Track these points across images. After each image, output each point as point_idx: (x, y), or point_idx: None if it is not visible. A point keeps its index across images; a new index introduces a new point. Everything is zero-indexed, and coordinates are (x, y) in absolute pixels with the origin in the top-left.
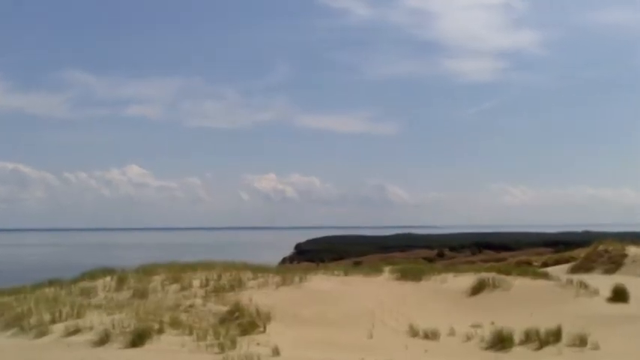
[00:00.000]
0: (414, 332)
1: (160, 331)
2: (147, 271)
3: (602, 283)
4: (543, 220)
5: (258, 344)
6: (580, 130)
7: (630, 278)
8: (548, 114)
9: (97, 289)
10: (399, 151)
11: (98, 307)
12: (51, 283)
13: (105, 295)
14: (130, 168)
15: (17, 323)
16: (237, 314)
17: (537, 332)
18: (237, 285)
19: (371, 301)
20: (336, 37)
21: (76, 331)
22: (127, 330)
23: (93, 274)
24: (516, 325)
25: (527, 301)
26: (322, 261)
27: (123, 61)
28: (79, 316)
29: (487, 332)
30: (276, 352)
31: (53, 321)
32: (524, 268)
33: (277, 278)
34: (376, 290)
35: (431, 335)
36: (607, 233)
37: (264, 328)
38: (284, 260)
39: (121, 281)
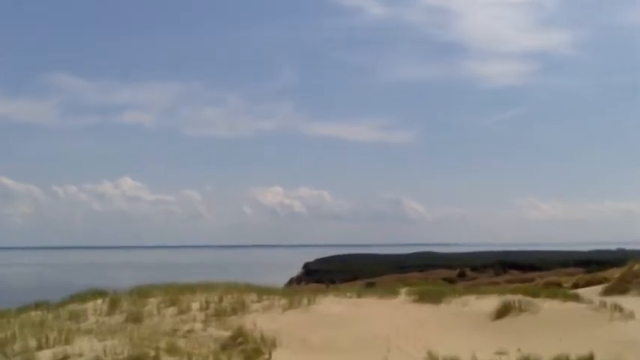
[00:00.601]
0: (432, 359)
1: (156, 359)
2: (142, 292)
3: (638, 305)
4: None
5: None
6: (615, 140)
7: None
8: (580, 121)
9: (88, 313)
10: (416, 162)
11: (88, 332)
12: (37, 305)
13: (96, 319)
14: (123, 180)
15: (0, 350)
16: (240, 340)
17: (568, 359)
18: (240, 308)
19: (386, 325)
20: (347, 38)
21: (65, 358)
22: (120, 357)
23: (83, 297)
24: (545, 351)
25: (557, 325)
26: (333, 282)
27: (116, 65)
28: (67, 342)
29: (513, 359)
30: None
31: (39, 347)
32: (554, 290)
33: (284, 301)
34: (391, 314)
35: None
36: None
37: (270, 355)
38: (291, 281)
39: (114, 304)
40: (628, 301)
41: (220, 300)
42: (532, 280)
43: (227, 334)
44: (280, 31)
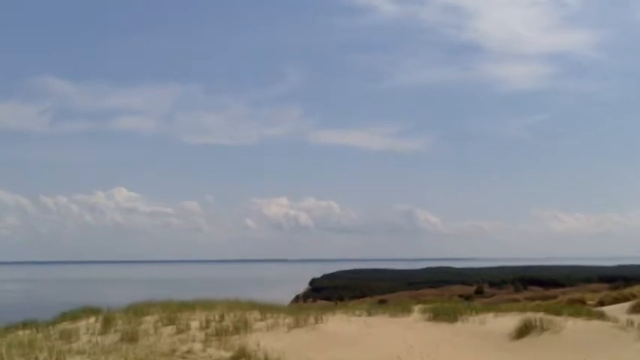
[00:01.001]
0: None
1: None
2: (137, 310)
3: None
4: (599, 251)
5: None
6: None
7: None
8: (605, 128)
9: (80, 332)
10: (430, 171)
11: (81, 352)
12: (25, 324)
13: (88, 338)
14: (117, 191)
15: None
16: None
17: None
18: (243, 327)
19: (397, 345)
20: (358, 39)
21: None
22: None
23: (74, 315)
24: None
25: (581, 345)
26: (341, 299)
27: (110, 67)
28: None
29: None
30: None
31: None
32: (577, 308)
33: (289, 319)
34: (404, 333)
35: None
36: None
37: None
38: (297, 298)
39: (108, 323)
40: None
41: (221, 318)
42: (554, 297)
43: (228, 354)
44: (285, 32)
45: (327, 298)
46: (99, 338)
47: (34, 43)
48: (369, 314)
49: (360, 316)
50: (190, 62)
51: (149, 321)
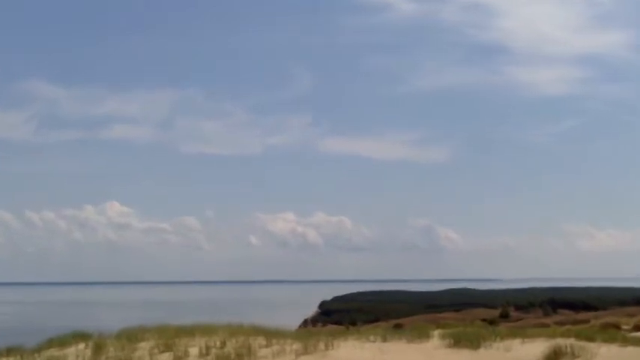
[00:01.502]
0: None
1: None
2: (131, 336)
3: None
4: (634, 271)
5: None
6: None
7: None
8: None
9: (68, 359)
10: (451, 184)
11: None
12: (10, 351)
13: None
14: (109, 205)
15: None
16: None
17: None
18: (247, 354)
19: None
20: (372, 39)
21: None
22: None
23: (63, 341)
24: None
25: None
26: (353, 323)
27: (101, 70)
28: None
29: None
30: None
31: None
32: (611, 333)
33: (297, 345)
34: None
35: None
36: None
37: None
38: (305, 322)
39: (98, 349)
40: None
41: (223, 345)
42: (586, 321)
43: None
44: (292, 32)
45: (338, 323)
46: None
47: (20, 44)
48: (384, 340)
49: (374, 341)
50: (189, 65)
51: (144, 347)
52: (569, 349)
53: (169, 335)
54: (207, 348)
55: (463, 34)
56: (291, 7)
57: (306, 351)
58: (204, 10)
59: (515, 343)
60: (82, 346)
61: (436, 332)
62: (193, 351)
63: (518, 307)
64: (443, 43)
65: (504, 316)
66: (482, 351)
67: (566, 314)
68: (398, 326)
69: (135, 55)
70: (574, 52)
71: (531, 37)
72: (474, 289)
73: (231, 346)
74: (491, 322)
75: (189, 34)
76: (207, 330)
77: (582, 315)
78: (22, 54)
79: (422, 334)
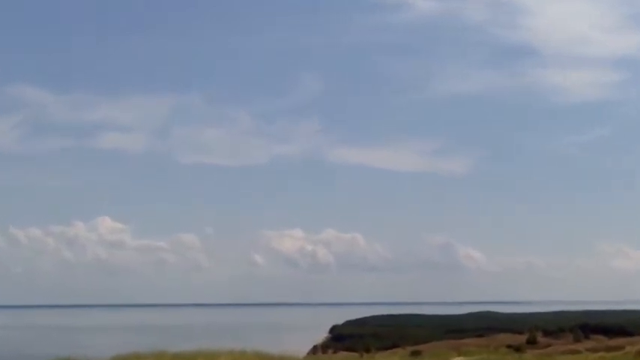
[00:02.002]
0: None
1: None
2: None
3: None
4: None
5: None
6: None
7: None
8: None
9: None
10: (473, 198)
11: None
12: None
13: None
14: (101, 221)
15: None
16: None
17: None
18: None
19: None
20: (387, 40)
21: None
22: None
23: None
24: None
25: None
26: (368, 350)
27: (93, 74)
28: None
29: None
30: None
31: None
32: None
33: None
34: None
35: None
36: None
37: None
38: (315, 348)
39: None
40: None
41: None
42: (621, 347)
43: None
44: (300, 32)
45: (350, 349)
46: None
47: (5, 45)
48: None
49: None
50: (187, 67)
51: None
52: None
53: None
54: None
55: (487, 34)
56: (298, 5)
57: None
58: (204, 8)
59: None
60: None
61: (457, 359)
62: None
63: (547, 333)
64: (464, 44)
65: (531, 342)
66: None
67: (598, 340)
68: (416, 353)
69: (129, 58)
70: (608, 53)
71: (561, 37)
72: (498, 313)
73: None
74: (517, 348)
75: (187, 35)
76: (207, 357)
77: (616, 341)
78: (7, 56)
79: None
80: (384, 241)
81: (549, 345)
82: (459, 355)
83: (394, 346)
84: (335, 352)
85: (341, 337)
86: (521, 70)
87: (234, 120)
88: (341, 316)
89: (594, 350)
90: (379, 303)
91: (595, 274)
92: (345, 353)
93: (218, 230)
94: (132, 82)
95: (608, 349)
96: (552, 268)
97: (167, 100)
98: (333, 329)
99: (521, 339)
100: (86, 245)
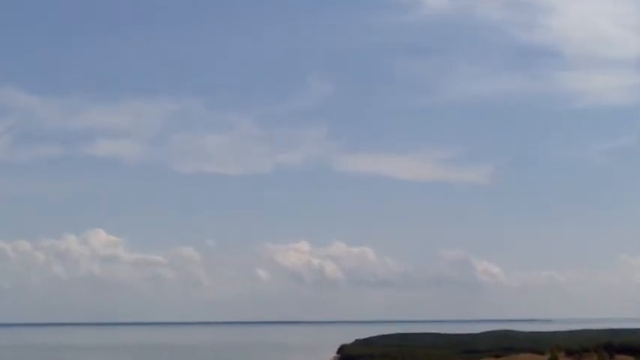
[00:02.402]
0: None
1: None
2: None
3: None
4: None
5: None
6: None
7: None
8: None
9: None
10: (490, 209)
11: None
12: None
13: None
14: (94, 234)
15: None
16: None
17: None
18: None
19: None
20: (399, 41)
21: None
22: None
23: None
24: None
25: None
26: None
27: (86, 77)
28: None
29: None
30: None
31: None
32: None
33: None
34: None
35: None
36: None
37: None
38: None
39: None
40: None
41: None
42: None
43: None
44: (307, 32)
45: None
46: None
47: None
48: None
49: None
50: (187, 70)
51: None
52: None
53: None
54: None
55: (505, 34)
56: (304, 3)
57: None
58: (204, 7)
59: None
60: None
61: None
62: None
63: (570, 352)
64: (481, 45)
65: None
66: None
67: None
68: None
69: (124, 59)
70: (635, 54)
71: (585, 37)
72: (518, 331)
73: None
74: None
75: (187, 35)
76: None
77: None
78: None
79: None
80: (396, 255)
81: None
82: None
83: None
84: None
85: (350, 357)
86: (541, 72)
87: (236, 125)
88: (350, 335)
89: None
90: (390, 321)
91: (620, 290)
92: None
93: (219, 243)
94: (127, 85)
95: None
96: (574, 283)
97: (165, 105)
98: (342, 349)
99: (543, 359)
100: (78, 260)
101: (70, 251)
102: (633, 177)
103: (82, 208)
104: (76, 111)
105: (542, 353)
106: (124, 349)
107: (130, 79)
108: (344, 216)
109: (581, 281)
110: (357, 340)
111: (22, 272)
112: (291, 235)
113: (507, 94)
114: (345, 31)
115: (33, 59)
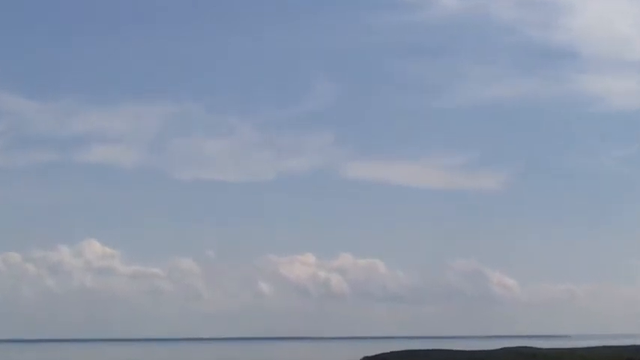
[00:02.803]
0: None
1: None
2: None
3: None
4: None
5: None
6: None
7: None
8: None
9: None
10: (505, 218)
11: None
12: None
13: None
14: (88, 245)
15: None
16: None
17: None
18: None
19: None
20: (407, 41)
21: None
22: None
23: None
24: None
25: None
26: None
27: (80, 79)
28: None
29: None
30: None
31: None
32: None
33: None
34: None
35: None
36: None
37: None
38: None
39: None
40: None
41: None
42: None
43: None
44: (311, 33)
45: None
46: None
47: None
48: None
49: None
50: (186, 72)
51: None
52: None
53: None
54: None
55: (520, 35)
56: (309, 3)
57: None
58: (204, 6)
59: None
60: None
61: None
62: None
63: None
64: (494, 46)
65: None
66: None
67: None
68: None
69: (119, 60)
70: None
71: (605, 38)
72: (535, 348)
73: None
74: None
75: (186, 35)
76: None
77: None
78: None
79: None
80: (406, 267)
81: None
82: None
83: None
84: None
85: None
86: (558, 74)
87: (237, 130)
88: (358, 352)
89: None
90: (401, 337)
91: None
92: None
93: (220, 255)
94: (123, 87)
95: None
96: (594, 296)
97: (162, 109)
98: None
99: None
100: (71, 272)
101: (63, 263)
102: None
103: (76, 218)
104: (69, 115)
105: None
106: None
107: (126, 82)
108: (351, 226)
109: (601, 294)
110: (365, 358)
111: (12, 285)
112: (296, 246)
113: (521, 97)
114: (350, 31)
115: (25, 61)
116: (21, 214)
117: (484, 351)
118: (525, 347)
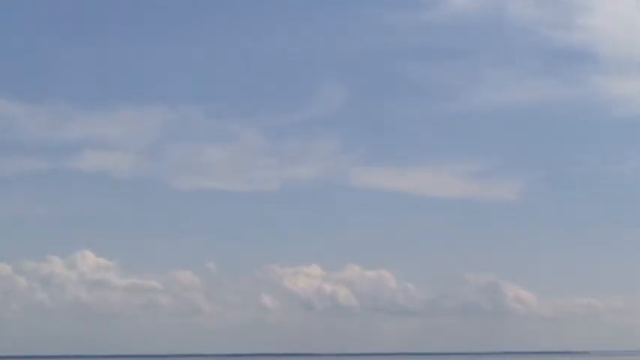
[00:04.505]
0: None
1: None
2: None
3: None
4: None
5: None
6: None
7: None
8: None
9: None
10: (523, 229)
11: None
12: None
13: None
14: (81, 256)
15: None
16: None
17: None
18: None
19: None
20: (420, 42)
21: None
22: None
23: None
24: None
25: None
26: None
27: (72, 82)
28: None
29: None
30: None
31: None
32: None
33: None
34: None
35: None
36: None
37: None
38: None
39: None
40: None
41: None
42: None
43: None
44: (318, 32)
45: None
46: None
47: None
48: None
49: None
50: (184, 74)
51: None
52: None
53: None
54: None
55: (538, 35)
56: (316, 1)
57: None
58: (204, 5)
59: None
60: None
61: None
62: None
63: None
64: (511, 47)
65: None
66: None
67: None
68: None
69: (115, 63)
70: None
71: (625, 38)
72: None
73: None
74: None
75: (185, 36)
76: None
77: None
78: None
79: None
80: (418, 279)
81: None
82: None
83: None
84: None
85: None
86: (578, 77)
87: (239, 136)
88: None
89: None
90: (411, 353)
91: None
92: None
93: (221, 267)
94: (118, 92)
95: None
96: (614, 311)
97: (160, 114)
98: None
99: None
100: (64, 285)
101: (55, 275)
102: None
103: (69, 228)
104: (61, 121)
105: None
106: None
107: (122, 85)
108: (360, 236)
109: (622, 309)
110: None
111: (1, 299)
112: (301, 257)
113: (541, 102)
114: (360, 31)
115: (14, 62)
116: (10, 223)
117: None
118: None
